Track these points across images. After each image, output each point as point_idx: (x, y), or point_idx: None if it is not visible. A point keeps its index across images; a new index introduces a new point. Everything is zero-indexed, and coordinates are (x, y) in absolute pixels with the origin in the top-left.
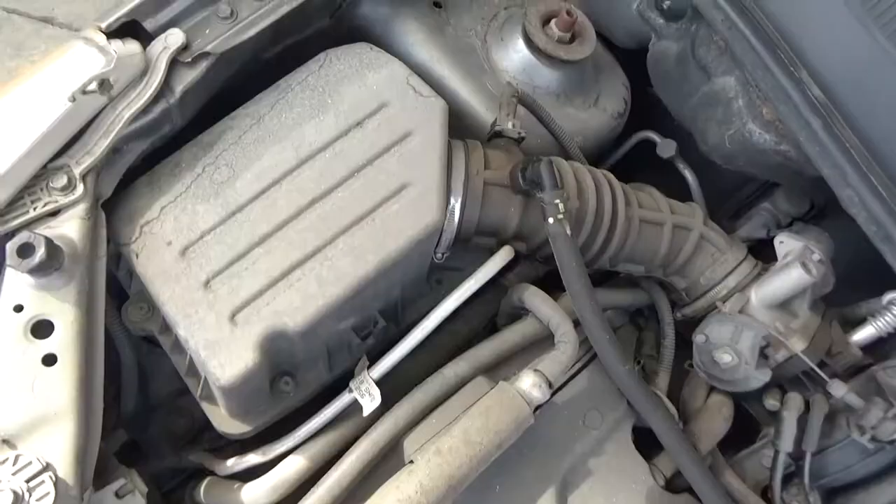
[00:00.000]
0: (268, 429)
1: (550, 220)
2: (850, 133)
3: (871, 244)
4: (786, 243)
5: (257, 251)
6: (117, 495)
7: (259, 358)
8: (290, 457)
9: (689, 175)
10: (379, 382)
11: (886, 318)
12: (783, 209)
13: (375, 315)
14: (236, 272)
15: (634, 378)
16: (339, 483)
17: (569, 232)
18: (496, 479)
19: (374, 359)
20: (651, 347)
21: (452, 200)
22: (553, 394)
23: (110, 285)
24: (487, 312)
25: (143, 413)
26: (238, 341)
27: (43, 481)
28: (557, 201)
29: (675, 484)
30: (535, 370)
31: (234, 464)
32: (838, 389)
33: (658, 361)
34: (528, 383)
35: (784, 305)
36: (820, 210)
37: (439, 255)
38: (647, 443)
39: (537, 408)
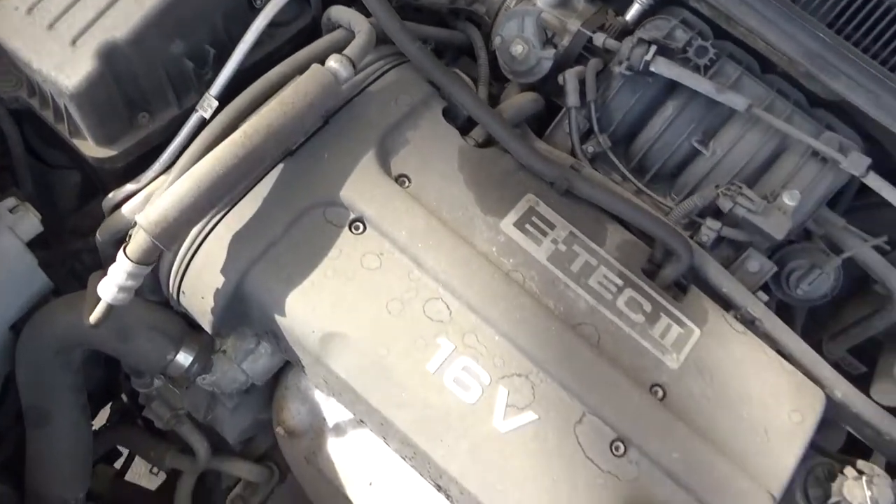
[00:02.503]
0: None
1: None
2: None
3: None
4: None
5: None
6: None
7: (99, 66)
8: (160, 176)
9: None
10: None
11: None
12: None
13: (208, 48)
14: (72, 12)
15: (428, 56)
16: (183, 167)
17: None
18: (323, 149)
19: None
20: None
21: None
22: (365, 86)
23: None
24: None
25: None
26: (79, 57)
27: None
28: None
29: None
30: (339, 54)
31: (114, 196)
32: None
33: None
34: (332, 61)
35: (564, 3)
36: None
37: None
38: None
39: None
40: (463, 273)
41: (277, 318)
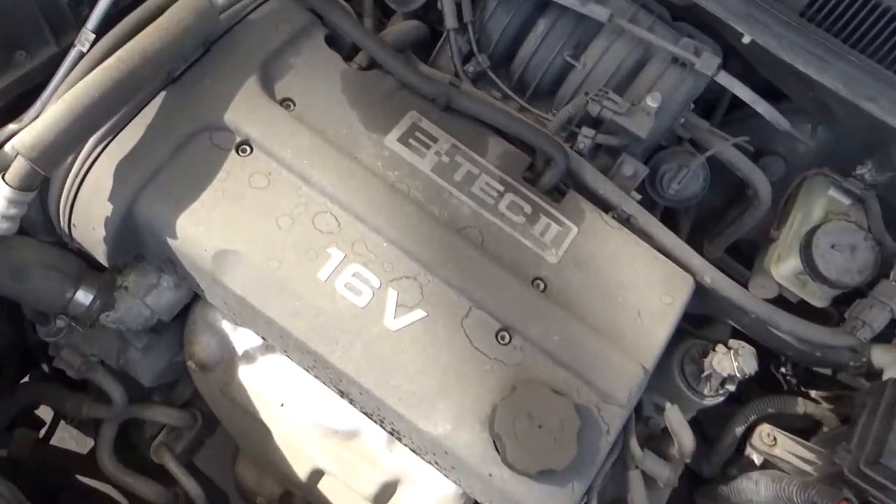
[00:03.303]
0: None
1: None
2: None
3: None
4: None
5: None
6: None
7: None
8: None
9: None
10: None
11: None
12: None
13: None
14: None
15: None
16: (59, 96)
17: None
18: (205, 75)
19: None
20: None
21: None
22: (245, 15)
23: None
24: None
25: None
26: None
27: None
28: None
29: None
30: None
31: None
32: None
33: None
34: None
35: None
36: None
37: None
38: None
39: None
40: (349, 186)
41: (170, 241)
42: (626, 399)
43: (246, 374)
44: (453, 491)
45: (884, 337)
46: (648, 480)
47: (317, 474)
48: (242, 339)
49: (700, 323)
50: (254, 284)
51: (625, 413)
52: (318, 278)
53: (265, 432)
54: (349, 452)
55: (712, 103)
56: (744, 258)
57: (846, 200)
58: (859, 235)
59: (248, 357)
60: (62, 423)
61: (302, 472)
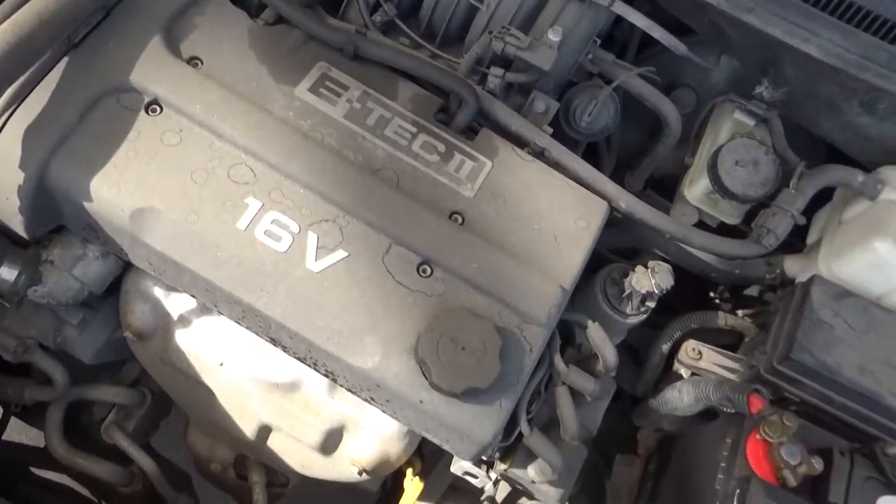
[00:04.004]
0: None
1: None
2: None
3: None
4: None
5: None
6: None
7: None
8: None
9: None
10: None
11: None
12: None
13: None
14: None
15: None
16: None
17: None
18: (107, 38)
19: None
20: None
21: None
22: None
23: None
24: None
25: None
26: None
27: None
28: None
29: None
30: None
31: None
32: None
33: None
34: None
35: None
36: None
37: None
38: None
39: None
40: (262, 137)
41: (86, 205)
42: (546, 318)
43: (183, 339)
44: (396, 429)
45: (793, 248)
46: (579, 397)
47: (264, 431)
48: (176, 304)
49: (630, 257)
50: (174, 240)
51: (546, 332)
52: (237, 228)
53: (209, 395)
54: (292, 404)
55: (626, 43)
56: (670, 193)
57: (751, 122)
58: (761, 150)
59: (184, 321)
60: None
61: (249, 430)
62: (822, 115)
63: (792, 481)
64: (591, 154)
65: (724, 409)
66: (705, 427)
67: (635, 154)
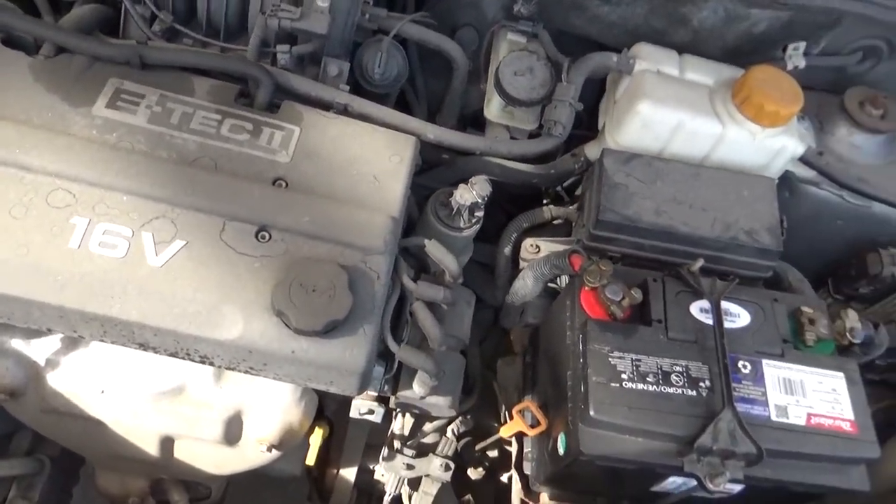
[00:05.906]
0: None
1: None
2: None
3: None
4: None
5: None
6: None
7: None
8: None
9: None
10: None
11: None
12: None
13: None
14: None
15: None
16: None
17: None
18: None
19: None
20: None
21: None
22: None
23: None
24: None
25: None
26: None
27: None
28: None
29: None
30: None
31: None
32: None
33: None
34: None
35: None
36: None
37: None
38: None
39: None
40: (71, 159)
41: None
42: (383, 245)
43: (57, 381)
44: (290, 396)
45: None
46: (441, 311)
47: (167, 443)
48: (38, 349)
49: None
50: (10, 277)
51: (388, 258)
52: (70, 248)
53: (101, 427)
54: (184, 406)
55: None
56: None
57: (522, 39)
58: (532, 58)
59: (52, 363)
60: None
61: (152, 448)
62: (572, 14)
63: (620, 314)
64: (404, 106)
65: (559, 280)
66: (553, 304)
67: (443, 99)
